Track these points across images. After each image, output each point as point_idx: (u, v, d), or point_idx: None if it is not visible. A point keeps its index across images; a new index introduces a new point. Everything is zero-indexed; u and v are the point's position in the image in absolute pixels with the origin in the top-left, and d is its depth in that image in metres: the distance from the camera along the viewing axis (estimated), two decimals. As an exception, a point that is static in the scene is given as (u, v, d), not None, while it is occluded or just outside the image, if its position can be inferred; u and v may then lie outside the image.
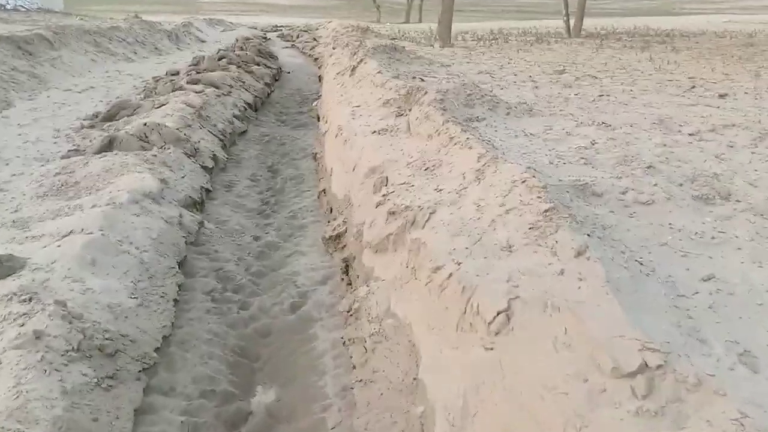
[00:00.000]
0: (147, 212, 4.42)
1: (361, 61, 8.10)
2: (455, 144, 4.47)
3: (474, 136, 4.43)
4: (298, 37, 24.38)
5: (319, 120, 9.06)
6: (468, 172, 3.97)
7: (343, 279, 4.24)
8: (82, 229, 3.89)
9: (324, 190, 5.81)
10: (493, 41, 15.08)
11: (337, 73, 8.73)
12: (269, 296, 4.27)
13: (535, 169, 3.76)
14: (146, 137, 6.06)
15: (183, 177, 5.56)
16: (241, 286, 4.37)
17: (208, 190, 5.90)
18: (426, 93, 5.36)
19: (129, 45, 14.76)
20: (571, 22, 17.26)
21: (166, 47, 16.94)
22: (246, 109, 9.29)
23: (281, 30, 33.29)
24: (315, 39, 21.87)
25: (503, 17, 42.52)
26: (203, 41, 21.19)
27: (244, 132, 8.63)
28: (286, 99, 11.84)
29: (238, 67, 11.26)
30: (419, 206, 3.72)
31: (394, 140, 5.12)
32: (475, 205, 3.49)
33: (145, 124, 6.16)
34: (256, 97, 10.22)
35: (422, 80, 7.53)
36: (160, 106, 7.55)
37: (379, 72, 7.18)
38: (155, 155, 5.57)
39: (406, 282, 3.33)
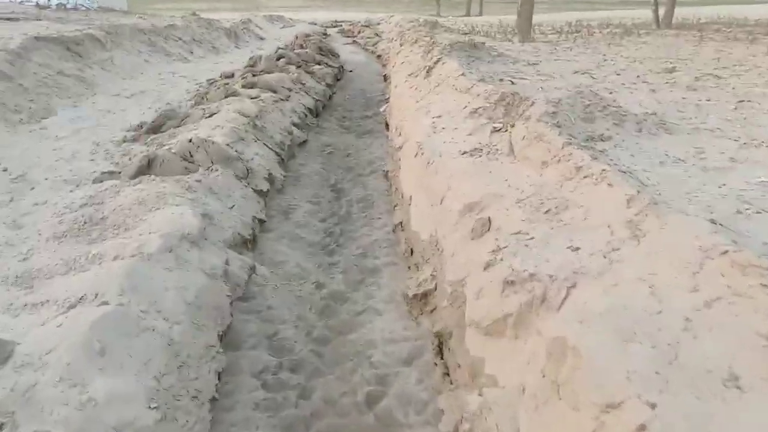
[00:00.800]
0: (183, 264, 3.45)
1: (439, 60, 6.99)
2: (584, 176, 3.32)
3: (611, 167, 3.27)
4: (359, 32, 23.42)
5: (387, 128, 8.03)
6: (615, 223, 2.83)
7: (436, 363, 3.17)
8: (96, 295, 2.96)
9: (401, 224, 4.76)
10: (575, 34, 13.69)
11: (409, 75, 7.65)
12: (337, 379, 3.23)
13: (721, 225, 2.59)
14: (191, 156, 5.15)
15: (232, 207, 4.61)
16: (301, 362, 3.36)
17: (261, 221, 4.93)
18: (533, 104, 4.23)
19: (185, 44, 14.09)
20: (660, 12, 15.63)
21: (224, 46, 16.24)
22: (306, 116, 8.33)
23: (341, 25, 32.52)
24: (377, 34, 20.86)
25: (573, 8, 40.49)
26: (262, 38, 20.50)
27: (304, 142, 7.67)
28: (350, 101, 10.85)
29: (298, 67, 10.33)
30: (550, 275, 2.62)
31: (493, 165, 4.01)
32: (644, 284, 2.35)
33: (190, 141, 5.25)
34: (317, 100, 9.26)
35: (512, 83, 6.38)
36: (210, 116, 6.66)
37: (461, 74, 6.07)
38: (199, 180, 4.63)
39: (544, 401, 2.24)
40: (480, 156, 4.22)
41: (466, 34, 13.59)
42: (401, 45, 11.55)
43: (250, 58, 10.79)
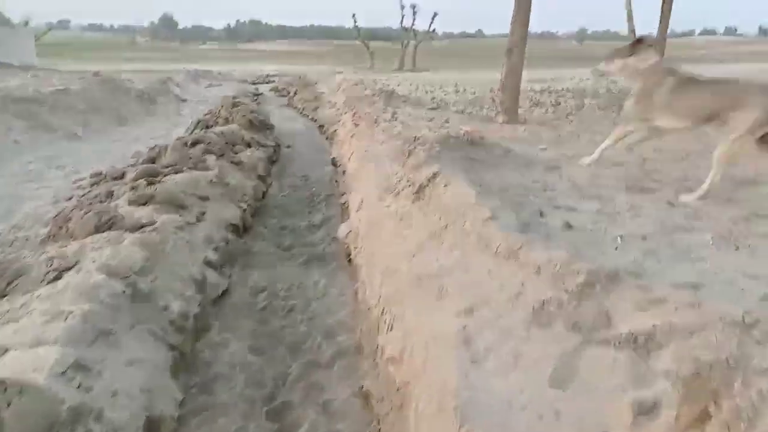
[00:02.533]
0: None
1: (434, 176, 4.52)
2: None
3: None
4: (295, 93, 20.96)
5: (350, 261, 5.46)
6: None
7: None
8: None
9: None
10: (556, 106, 11.66)
11: (385, 189, 5.13)
12: None
13: None
14: (-36, 434, 2.39)
15: None
16: None
17: None
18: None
19: (78, 114, 11.19)
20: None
21: (132, 113, 13.37)
22: (228, 242, 5.67)
23: (274, 81, 30.20)
24: (316, 97, 18.47)
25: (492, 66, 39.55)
26: (183, 100, 17.73)
27: (225, 292, 4.99)
28: (289, 197, 8.23)
29: (220, 155, 7.67)
30: None
31: None
32: None
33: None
34: (245, 209, 6.61)
35: (570, 225, 3.97)
36: (59, 275, 3.91)
37: (488, 217, 3.60)
38: None
39: None
40: None
41: (435, 108, 11.31)
42: (356, 124, 9.09)
43: (150, 149, 8.00)
